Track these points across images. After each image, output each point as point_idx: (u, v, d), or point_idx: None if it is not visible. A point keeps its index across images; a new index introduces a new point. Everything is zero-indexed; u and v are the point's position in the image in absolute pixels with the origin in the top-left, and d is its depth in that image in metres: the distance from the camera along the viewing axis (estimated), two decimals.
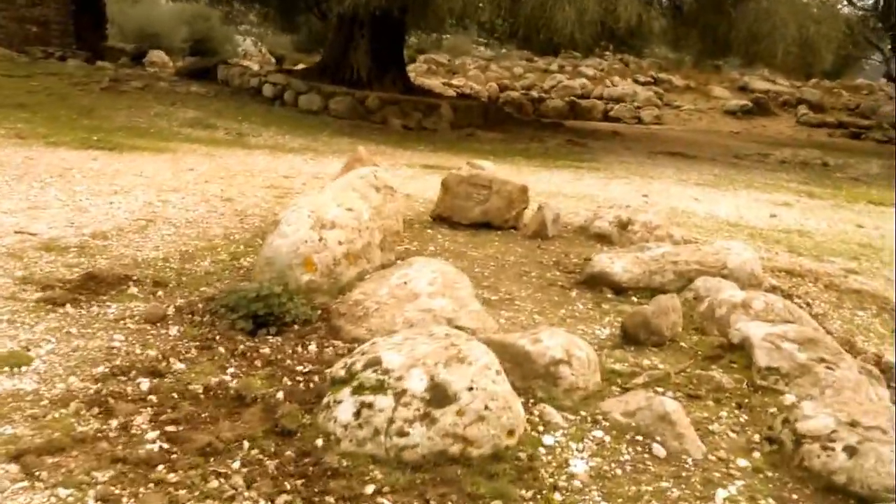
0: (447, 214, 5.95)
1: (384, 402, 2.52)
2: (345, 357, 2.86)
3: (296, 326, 3.49)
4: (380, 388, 2.56)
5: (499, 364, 2.72)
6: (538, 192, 8.92)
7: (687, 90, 27.92)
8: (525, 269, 4.79)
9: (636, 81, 27.96)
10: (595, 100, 25.57)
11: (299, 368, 3.08)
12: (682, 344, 3.63)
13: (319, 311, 3.64)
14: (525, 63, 28.97)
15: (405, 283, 3.66)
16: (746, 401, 3.09)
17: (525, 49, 24.65)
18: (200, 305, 3.64)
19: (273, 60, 25.70)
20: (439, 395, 2.53)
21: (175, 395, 2.78)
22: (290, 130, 12.56)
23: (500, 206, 5.89)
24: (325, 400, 2.66)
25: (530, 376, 2.99)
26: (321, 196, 3.94)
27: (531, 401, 2.91)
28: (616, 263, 4.51)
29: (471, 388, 2.55)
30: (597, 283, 4.49)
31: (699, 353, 3.54)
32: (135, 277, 3.98)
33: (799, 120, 25.09)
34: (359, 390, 2.59)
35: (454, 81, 25.63)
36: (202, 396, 2.79)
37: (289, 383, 2.94)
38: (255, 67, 19.11)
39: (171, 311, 3.59)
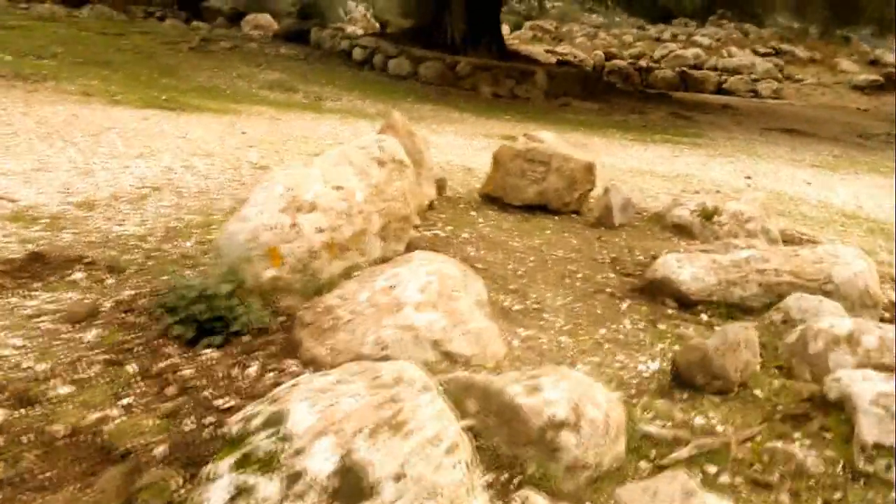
0: (498, 194, 5.00)
1: (268, 488, 1.65)
2: (254, 403, 2.01)
3: (246, 337, 2.68)
4: (269, 463, 1.70)
5: (456, 433, 1.81)
6: (624, 170, 7.83)
7: (811, 63, 25.42)
8: (572, 267, 3.81)
9: (755, 52, 25.67)
10: (709, 71, 23.58)
11: (218, 403, 2.26)
12: (757, 392, 2.59)
13: (283, 318, 2.81)
14: (636, 31, 27.15)
15: (391, 287, 2.78)
16: (839, 497, 2.06)
17: (633, 14, 22.97)
18: (143, 301, 2.88)
19: (377, 25, 24.98)
20: (350, 486, 1.64)
21: (26, 438, 2.00)
22: (373, 95, 11.80)
23: (560, 187, 4.89)
24: (204, 469, 1.83)
25: (520, 441, 2.06)
26: (305, 170, 3.09)
27: (515, 480, 1.99)
28: (685, 269, 3.46)
29: (399, 478, 1.65)
30: (658, 292, 3.47)
31: (779, 408, 2.50)
32: (88, 259, 3.26)
33: None
34: (243, 464, 1.73)
35: (559, 49, 24.22)
36: (60, 444, 2.00)
37: (190, 427, 2.13)
38: (360, 31, 18.38)
39: (107, 306, 2.84)
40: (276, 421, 1.79)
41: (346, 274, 3.06)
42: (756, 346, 2.65)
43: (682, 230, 4.68)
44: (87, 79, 9.38)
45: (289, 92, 10.98)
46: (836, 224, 6.14)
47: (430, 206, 4.70)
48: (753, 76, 23.45)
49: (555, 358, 2.73)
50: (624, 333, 3.04)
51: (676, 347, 2.90)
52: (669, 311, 3.32)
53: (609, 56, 24.24)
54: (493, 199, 5.02)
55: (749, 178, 8.29)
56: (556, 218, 4.83)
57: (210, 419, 2.18)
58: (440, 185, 5.14)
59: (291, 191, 2.96)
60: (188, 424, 2.14)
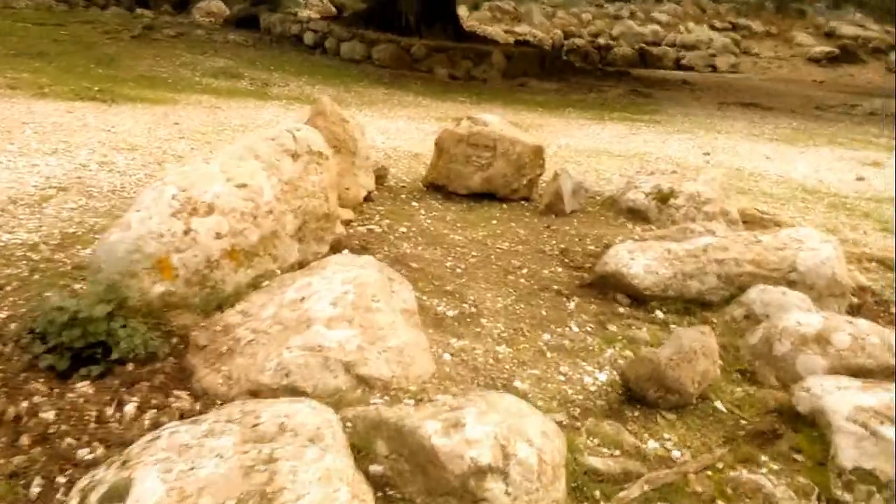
0: (442, 182, 4.62)
1: None
2: (95, 469, 1.62)
3: (130, 366, 2.27)
4: None
5: (347, 499, 1.44)
6: (580, 150, 7.50)
7: (767, 37, 25.28)
8: (517, 262, 3.44)
9: (712, 27, 25.49)
10: (667, 47, 23.33)
11: (81, 453, 1.87)
12: (718, 404, 2.26)
13: (177, 339, 2.41)
14: (594, 9, 26.80)
15: (301, 299, 2.39)
16: None
17: None
18: (15, 325, 2.46)
19: (334, 10, 24.30)
20: None
21: None
22: (323, 80, 11.30)
23: (507, 173, 4.52)
24: None
25: (438, 490, 1.70)
26: (204, 167, 2.68)
27: None
28: (637, 260, 3.12)
29: None
30: (609, 287, 3.12)
31: (743, 424, 2.16)
32: None
33: (890, 68, 22.33)
34: None
35: (517, 29, 23.77)
36: None
37: (38, 490, 1.73)
38: (315, 15, 17.72)
39: None
40: (117, 494, 1.40)
41: (255, 284, 2.67)
42: (715, 352, 2.31)
43: (637, 215, 4.35)
44: (17, 71, 8.78)
45: (234, 79, 10.45)
46: (797, 200, 5.86)
47: (368, 199, 4.31)
48: (711, 51, 23.27)
49: (490, 373, 2.37)
50: (570, 338, 2.68)
51: (628, 353, 2.56)
52: (621, 310, 2.97)
53: (568, 35, 23.88)
54: (437, 188, 4.64)
55: (708, 154, 8.00)
56: (504, 206, 4.47)
57: (65, 475, 1.78)
58: (380, 175, 4.75)
59: (185, 192, 2.55)
60: (36, 486, 1.74)
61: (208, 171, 2.66)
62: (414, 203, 4.39)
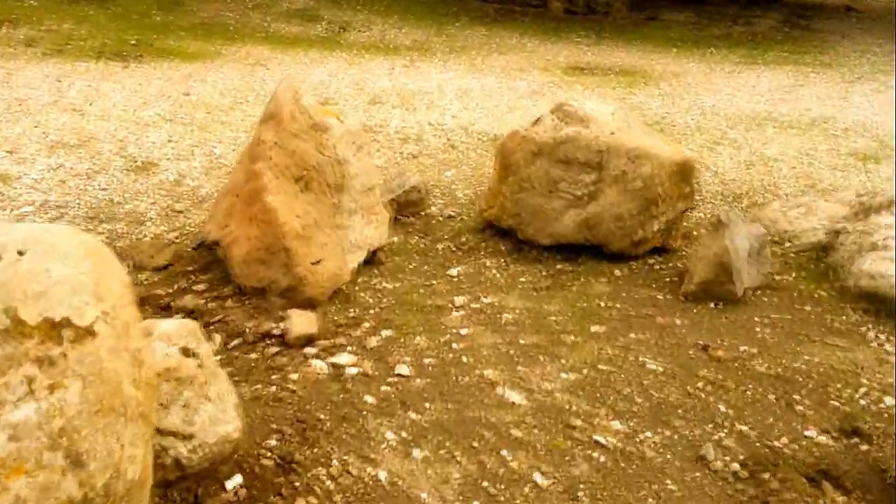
0: (507, 222, 2.51)
1: None
2: None
3: None
4: None
5: None
6: (733, 117, 5.14)
7: None
8: (647, 472, 1.35)
9: None
10: None
11: None
12: None
13: None
14: None
15: None
16: None
17: None
18: None
19: None
20: None
21: None
22: (414, 21, 9.14)
23: (623, 212, 2.35)
24: None
25: None
26: None
27: None
28: None
29: None
30: None
31: None
32: None
33: None
34: None
35: None
36: None
37: None
38: None
39: None
40: None
41: None
42: None
43: (881, 304, 2.11)
44: (59, 21, 7.23)
45: (309, 22, 8.51)
46: None
47: (374, 260, 2.30)
48: None
49: None
50: None
51: None
52: None
53: None
54: (500, 232, 2.55)
55: None
56: (617, 274, 2.32)
57: None
58: (413, 201, 2.70)
59: None
60: None
61: None
62: (453, 269, 2.33)
